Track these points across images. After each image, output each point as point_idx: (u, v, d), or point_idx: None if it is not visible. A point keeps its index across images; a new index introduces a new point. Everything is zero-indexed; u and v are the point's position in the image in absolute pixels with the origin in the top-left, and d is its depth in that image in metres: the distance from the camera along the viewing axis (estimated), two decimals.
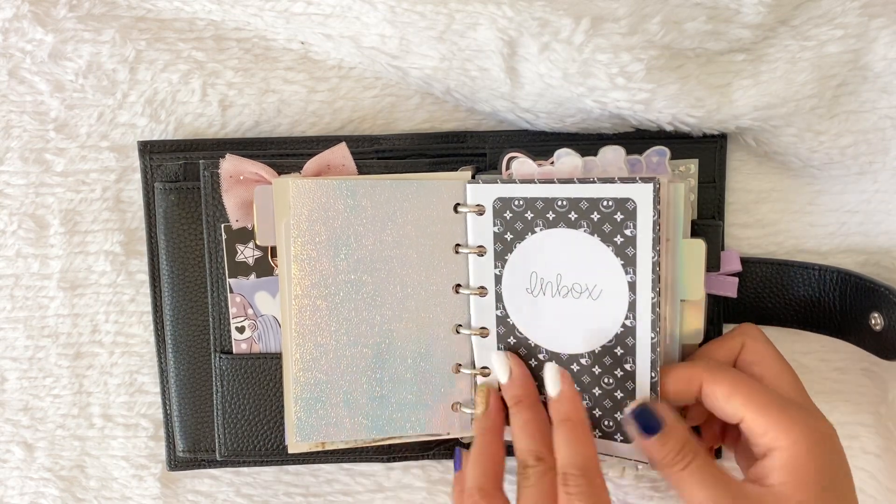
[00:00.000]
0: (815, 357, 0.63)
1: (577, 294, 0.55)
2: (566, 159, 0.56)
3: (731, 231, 0.62)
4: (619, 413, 0.55)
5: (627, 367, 0.54)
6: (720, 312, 0.60)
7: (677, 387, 0.53)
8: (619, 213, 0.53)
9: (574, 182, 0.54)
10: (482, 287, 0.58)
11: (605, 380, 0.55)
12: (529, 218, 0.56)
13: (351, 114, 0.62)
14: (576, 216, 0.54)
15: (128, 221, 0.64)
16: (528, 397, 0.56)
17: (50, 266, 0.64)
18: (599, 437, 0.56)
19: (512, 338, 0.58)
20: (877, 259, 0.61)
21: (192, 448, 0.62)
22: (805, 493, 0.48)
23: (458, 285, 0.58)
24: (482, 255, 0.58)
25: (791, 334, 0.62)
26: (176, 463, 0.64)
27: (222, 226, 0.59)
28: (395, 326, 0.58)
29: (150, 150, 0.61)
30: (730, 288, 0.59)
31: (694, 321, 0.57)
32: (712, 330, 0.60)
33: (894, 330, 0.55)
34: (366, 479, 0.65)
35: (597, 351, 0.55)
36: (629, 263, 0.53)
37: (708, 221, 0.58)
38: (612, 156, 0.56)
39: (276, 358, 0.60)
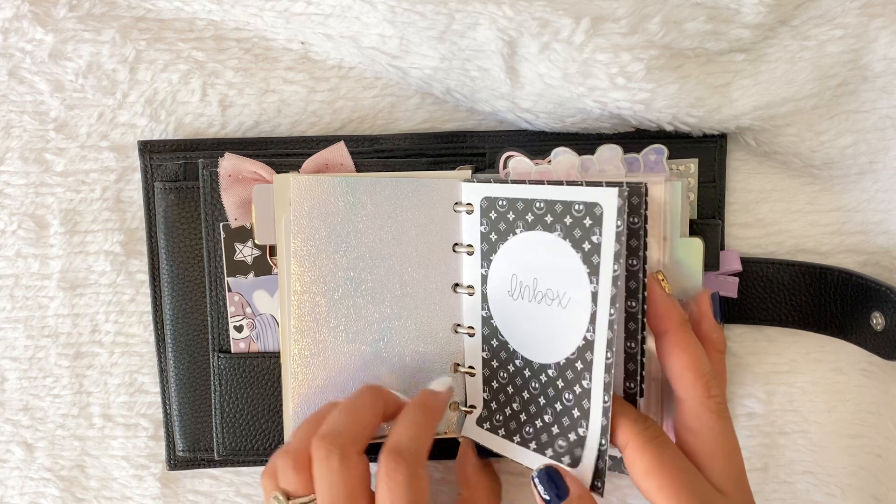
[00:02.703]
0: (814, 357, 0.63)
1: (549, 301, 0.53)
2: (563, 158, 0.56)
3: (731, 231, 0.62)
4: (572, 433, 0.52)
5: (585, 383, 0.52)
6: (720, 312, 0.60)
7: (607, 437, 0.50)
8: (588, 218, 0.51)
9: (551, 184, 0.53)
10: (471, 286, 0.58)
11: (566, 395, 0.53)
12: (511, 219, 0.55)
13: (351, 114, 0.62)
14: (551, 219, 0.53)
15: (128, 221, 0.64)
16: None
17: (50, 266, 0.64)
18: (551, 456, 0.53)
19: (495, 340, 0.57)
20: (877, 259, 0.61)
21: (191, 448, 0.62)
22: None
23: (457, 284, 0.58)
24: (471, 255, 0.57)
25: (791, 334, 0.62)
26: (176, 463, 0.64)
27: (221, 225, 0.59)
28: (393, 324, 0.58)
29: (150, 150, 0.61)
30: (730, 288, 0.59)
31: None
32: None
33: (895, 330, 0.55)
34: None
35: (561, 363, 0.53)
36: (594, 272, 0.51)
37: (707, 221, 0.58)
38: (609, 154, 0.56)
39: (275, 357, 0.60)
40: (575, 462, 0.52)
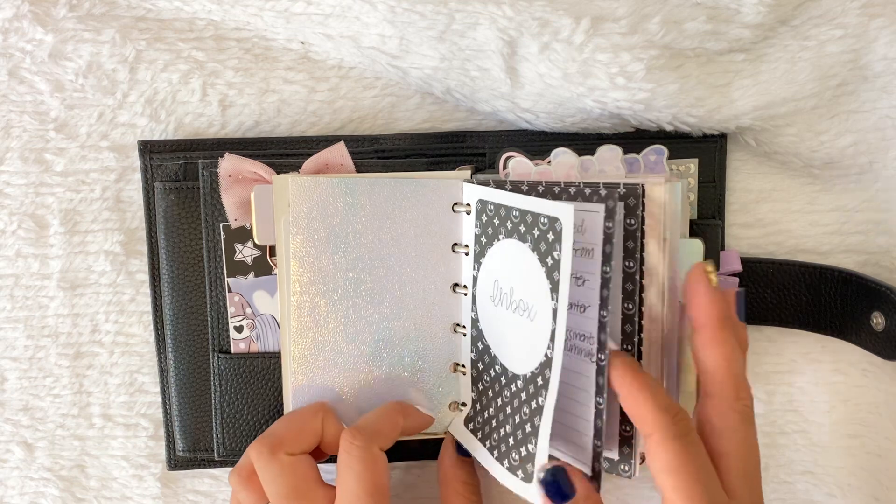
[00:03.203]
0: (814, 357, 0.63)
1: (522, 311, 0.52)
2: (562, 158, 0.56)
3: (731, 231, 0.62)
4: (524, 448, 0.51)
5: (540, 400, 0.50)
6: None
7: (632, 417, 0.49)
8: (551, 233, 0.49)
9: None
10: (465, 286, 0.58)
11: (524, 409, 0.52)
12: (496, 224, 0.54)
13: (351, 114, 0.62)
14: (524, 229, 0.51)
15: (128, 221, 0.64)
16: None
17: (50, 266, 0.64)
18: (507, 467, 0.53)
19: (480, 343, 0.57)
20: (877, 259, 0.61)
21: (192, 448, 0.62)
22: None
23: (456, 284, 0.58)
24: (467, 255, 0.57)
25: (791, 334, 0.62)
26: (176, 462, 0.64)
27: (221, 225, 0.59)
28: (393, 325, 0.58)
29: (150, 150, 0.61)
30: (730, 288, 0.59)
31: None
32: None
33: (895, 330, 0.55)
34: None
35: (528, 375, 0.52)
36: (554, 289, 0.49)
37: (708, 221, 0.58)
38: (609, 155, 0.56)
39: (275, 357, 0.60)
40: (528, 478, 0.51)
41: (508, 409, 0.54)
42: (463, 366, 0.59)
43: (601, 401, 0.49)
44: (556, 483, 0.49)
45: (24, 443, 0.66)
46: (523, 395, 0.52)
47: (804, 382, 0.63)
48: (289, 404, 0.58)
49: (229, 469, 0.64)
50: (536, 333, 0.51)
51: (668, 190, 0.53)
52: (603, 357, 0.49)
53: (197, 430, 0.62)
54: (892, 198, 0.60)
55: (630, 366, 0.49)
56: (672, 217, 0.54)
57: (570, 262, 0.47)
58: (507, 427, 0.53)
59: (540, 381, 0.50)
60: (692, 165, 0.59)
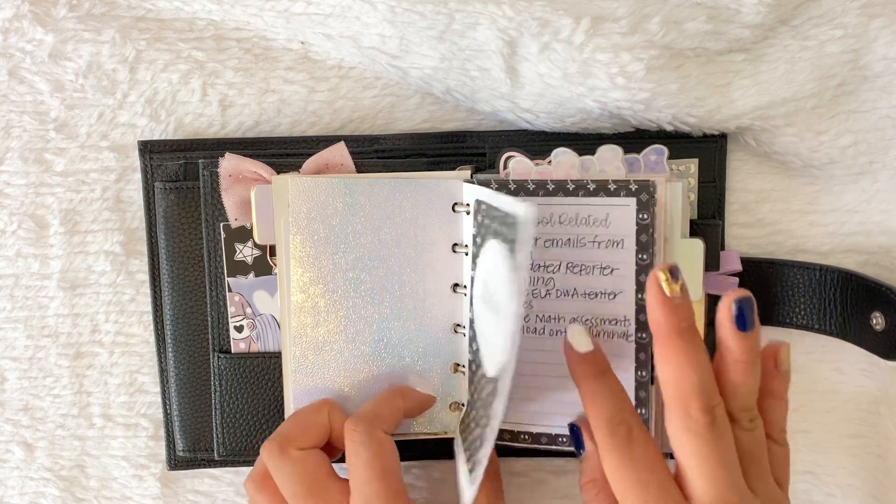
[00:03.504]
0: (814, 357, 0.63)
1: (497, 311, 0.50)
2: (563, 158, 0.56)
3: (731, 231, 0.62)
4: (477, 452, 0.50)
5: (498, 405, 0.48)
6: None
7: (588, 416, 0.50)
8: (514, 230, 0.47)
9: (560, 191, 0.54)
10: (465, 286, 0.58)
11: (482, 413, 0.52)
12: (487, 224, 0.54)
13: (351, 114, 0.62)
14: (504, 228, 0.49)
15: (128, 221, 0.64)
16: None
17: (50, 266, 0.64)
18: (470, 469, 0.52)
19: (475, 343, 0.56)
20: (877, 259, 0.61)
21: (192, 448, 0.62)
22: None
23: (456, 284, 0.58)
24: (467, 255, 0.58)
25: (791, 334, 0.61)
26: (176, 463, 0.64)
27: (221, 225, 0.59)
28: (393, 325, 0.58)
29: (150, 150, 0.61)
30: (730, 288, 0.59)
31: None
32: (711, 332, 0.59)
33: (895, 330, 0.55)
34: None
35: (494, 378, 0.50)
36: (518, 292, 0.46)
37: (708, 221, 0.58)
38: (610, 155, 0.56)
39: (275, 357, 0.60)
40: (473, 480, 0.51)
41: (482, 411, 0.53)
42: (463, 366, 0.59)
43: (644, 373, 0.54)
44: (575, 437, 0.54)
45: (24, 443, 0.66)
46: (489, 398, 0.50)
47: (804, 382, 0.63)
48: (289, 405, 0.58)
49: (229, 469, 0.65)
50: (502, 337, 0.49)
51: (669, 190, 0.54)
52: (644, 335, 0.54)
53: (197, 429, 0.62)
54: (892, 198, 0.60)
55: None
56: (672, 217, 0.54)
57: (526, 263, 0.45)
58: (477, 430, 0.52)
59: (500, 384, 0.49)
60: (692, 165, 0.59)
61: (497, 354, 0.50)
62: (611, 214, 0.54)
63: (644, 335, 0.54)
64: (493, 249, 0.52)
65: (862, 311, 0.57)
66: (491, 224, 0.53)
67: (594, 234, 0.55)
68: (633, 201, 0.53)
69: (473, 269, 0.56)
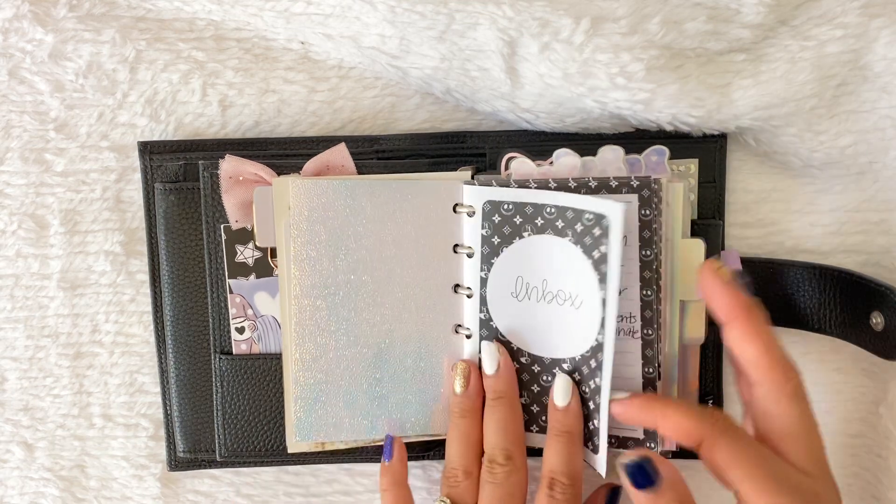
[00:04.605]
0: (815, 357, 0.63)
1: (560, 301, 0.55)
2: (565, 159, 0.57)
3: (731, 231, 0.62)
4: (590, 423, 0.55)
5: (597, 380, 0.54)
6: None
7: (677, 435, 0.50)
8: (597, 228, 0.53)
9: (566, 189, 0.55)
10: (469, 288, 0.58)
11: (582, 388, 0.55)
12: (518, 222, 0.56)
13: (351, 114, 0.62)
14: (562, 224, 0.54)
15: (128, 221, 0.64)
16: (510, 393, 0.56)
17: (50, 266, 0.64)
18: None
19: (496, 340, 0.58)
20: (877, 259, 0.61)
21: (192, 448, 0.62)
22: None
23: (457, 285, 0.58)
24: (471, 257, 0.58)
25: (791, 334, 0.61)
26: (176, 463, 0.64)
27: (222, 226, 0.59)
28: (394, 326, 0.58)
29: (150, 151, 0.61)
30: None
31: (695, 321, 0.57)
32: (712, 331, 0.60)
33: (895, 330, 0.55)
34: (366, 479, 0.65)
35: (577, 358, 0.55)
36: (602, 280, 0.52)
37: (708, 221, 0.58)
38: (611, 156, 0.56)
39: (276, 358, 0.60)
40: (595, 449, 0.55)
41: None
42: None
43: (651, 370, 0.55)
44: (643, 470, 0.49)
45: (24, 443, 0.66)
46: (577, 376, 0.55)
47: (805, 382, 0.63)
48: (290, 406, 0.58)
49: (229, 469, 0.65)
50: (583, 321, 0.54)
51: (670, 191, 0.54)
52: (649, 332, 0.55)
53: (198, 430, 0.62)
54: (892, 198, 0.60)
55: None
56: (673, 217, 0.54)
57: (619, 256, 0.51)
58: None
59: (593, 364, 0.54)
60: (692, 165, 0.59)
61: (574, 336, 0.55)
62: None
63: (650, 331, 0.55)
64: (539, 244, 0.55)
65: (861, 312, 0.57)
66: (529, 221, 0.55)
67: None
68: (634, 198, 0.54)
69: (485, 269, 0.57)
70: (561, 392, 0.55)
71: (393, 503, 0.58)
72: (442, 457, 0.62)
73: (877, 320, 0.56)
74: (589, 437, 0.55)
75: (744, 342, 0.51)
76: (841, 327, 0.59)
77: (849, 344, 0.59)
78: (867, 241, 0.61)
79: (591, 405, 0.55)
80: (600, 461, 0.55)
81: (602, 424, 0.54)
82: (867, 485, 0.63)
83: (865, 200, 0.61)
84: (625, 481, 0.49)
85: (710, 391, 0.60)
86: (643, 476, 0.49)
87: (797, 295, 0.59)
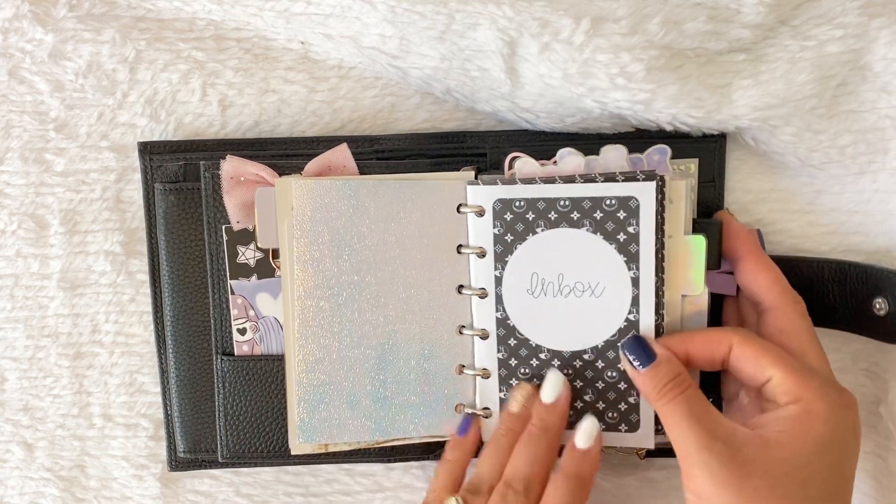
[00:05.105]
0: None
1: (578, 293, 0.56)
2: (569, 159, 0.57)
3: None
4: (623, 403, 0.58)
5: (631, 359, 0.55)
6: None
7: (707, 348, 0.54)
8: (621, 211, 0.55)
9: (576, 182, 0.55)
10: (482, 288, 0.58)
11: (609, 373, 0.57)
12: (531, 219, 0.56)
13: (351, 114, 0.62)
14: (578, 215, 0.55)
15: (128, 221, 0.64)
16: (555, 430, 0.56)
17: (50, 266, 0.64)
18: (603, 429, 0.57)
19: (512, 339, 0.58)
20: (877, 259, 0.61)
21: (192, 449, 0.62)
22: (800, 445, 0.49)
23: (461, 286, 0.58)
24: (482, 257, 0.58)
25: None
26: (177, 463, 0.64)
27: (223, 227, 0.59)
28: (398, 327, 0.58)
29: (150, 151, 0.61)
30: (729, 286, 0.59)
31: (697, 317, 0.57)
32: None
33: None
34: (366, 479, 0.66)
35: (600, 346, 0.57)
36: (632, 260, 0.55)
37: (708, 220, 0.58)
38: (615, 155, 0.57)
39: (278, 359, 0.60)
40: (633, 427, 0.58)
41: (579, 383, 0.58)
42: (485, 369, 0.59)
43: (658, 318, 0.56)
44: (641, 347, 0.55)
45: (24, 443, 0.66)
46: (600, 363, 0.57)
47: None
48: (293, 408, 0.58)
49: (229, 469, 0.65)
50: (606, 306, 0.56)
51: (673, 188, 0.54)
52: (657, 318, 0.56)
53: (198, 431, 0.62)
54: (892, 198, 0.60)
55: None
56: (675, 215, 0.54)
57: (653, 230, 0.55)
58: (587, 396, 0.58)
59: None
60: (692, 165, 0.59)
61: (596, 325, 0.57)
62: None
63: (657, 318, 0.56)
64: (553, 239, 0.56)
65: (863, 299, 0.57)
66: (542, 217, 0.56)
67: None
68: (651, 185, 0.54)
69: (499, 269, 0.57)
70: (551, 387, 0.56)
71: (449, 472, 0.58)
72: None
73: (880, 305, 0.57)
74: (622, 419, 0.58)
75: (758, 272, 0.56)
76: (842, 317, 0.59)
77: (849, 343, 0.59)
78: (867, 241, 0.61)
79: (623, 385, 0.57)
80: (644, 437, 0.58)
81: (642, 399, 0.57)
82: (867, 485, 0.63)
83: (865, 201, 0.61)
84: (625, 363, 0.55)
85: (710, 391, 0.60)
86: (641, 353, 0.54)
87: (796, 289, 0.59)
